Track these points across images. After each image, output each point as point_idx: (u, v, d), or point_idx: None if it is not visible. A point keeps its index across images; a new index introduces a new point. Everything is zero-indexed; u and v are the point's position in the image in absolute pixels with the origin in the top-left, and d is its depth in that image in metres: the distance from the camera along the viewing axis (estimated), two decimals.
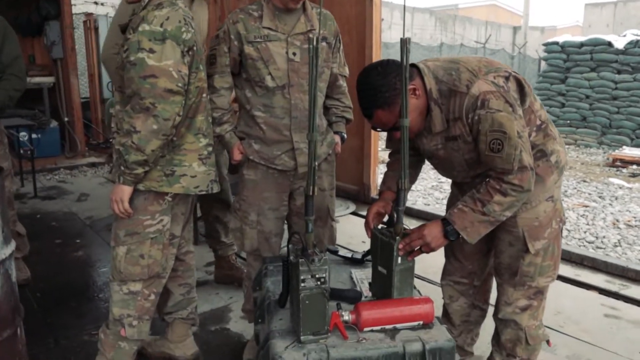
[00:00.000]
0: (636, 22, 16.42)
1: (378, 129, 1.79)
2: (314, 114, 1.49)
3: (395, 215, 1.71)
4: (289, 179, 2.26)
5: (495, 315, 2.03)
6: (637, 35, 9.53)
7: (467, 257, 2.11)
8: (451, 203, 2.13)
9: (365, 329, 1.60)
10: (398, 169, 2.03)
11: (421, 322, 1.64)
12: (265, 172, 2.23)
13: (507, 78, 1.70)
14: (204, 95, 2.05)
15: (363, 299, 1.80)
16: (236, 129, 2.27)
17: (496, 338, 2.06)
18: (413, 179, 2.07)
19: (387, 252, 1.73)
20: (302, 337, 1.53)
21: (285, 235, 2.46)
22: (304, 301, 1.52)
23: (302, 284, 1.51)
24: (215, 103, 2.21)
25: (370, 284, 1.88)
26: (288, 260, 1.62)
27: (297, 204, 2.32)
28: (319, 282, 1.52)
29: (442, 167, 1.93)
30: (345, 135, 2.45)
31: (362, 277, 2.01)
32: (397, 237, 1.69)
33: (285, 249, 2.54)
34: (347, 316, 1.60)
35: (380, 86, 1.65)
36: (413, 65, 1.73)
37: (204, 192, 2.08)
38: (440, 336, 1.60)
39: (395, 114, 1.68)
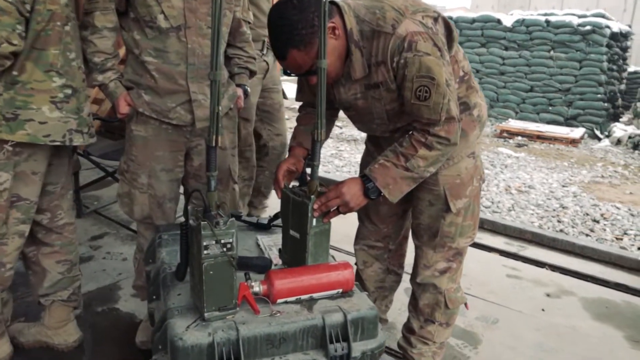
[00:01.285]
0: (519, 5, 17.48)
1: (291, 73, 1.57)
2: (218, 47, 1.23)
3: (310, 172, 1.52)
4: (185, 136, 1.98)
5: (412, 279, 1.93)
6: (523, 14, 10.07)
7: (383, 220, 1.98)
8: (365, 162, 1.98)
9: (279, 301, 1.41)
10: (308, 123, 1.84)
11: (340, 290, 1.48)
12: (158, 127, 1.93)
13: (435, 19, 1.55)
14: (61, 23, 1.68)
15: (273, 267, 1.61)
16: (122, 77, 1.93)
17: (413, 303, 1.96)
18: (327, 133, 1.88)
19: (301, 213, 1.53)
20: (206, 314, 1.31)
21: (182, 202, 2.18)
22: (207, 271, 1.28)
23: (205, 252, 1.27)
24: (96, 45, 1.85)
25: (280, 250, 1.68)
26: (187, 224, 1.36)
27: (195, 165, 2.05)
28: (224, 249, 1.29)
29: (360, 120, 1.75)
30: (248, 89, 2.20)
31: (270, 243, 1.81)
32: (312, 197, 1.50)
33: (182, 218, 2.29)
34: (257, 287, 1.40)
35: (296, 22, 1.42)
36: (332, 3, 1.52)
37: (58, 143, 1.73)
38: (362, 304, 1.45)
39: (311, 55, 1.46)
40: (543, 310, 2.58)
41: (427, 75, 1.46)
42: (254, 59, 2.20)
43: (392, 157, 1.56)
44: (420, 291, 1.90)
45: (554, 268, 3.10)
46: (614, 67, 9.24)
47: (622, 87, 9.96)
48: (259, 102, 3.02)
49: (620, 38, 9.25)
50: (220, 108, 1.29)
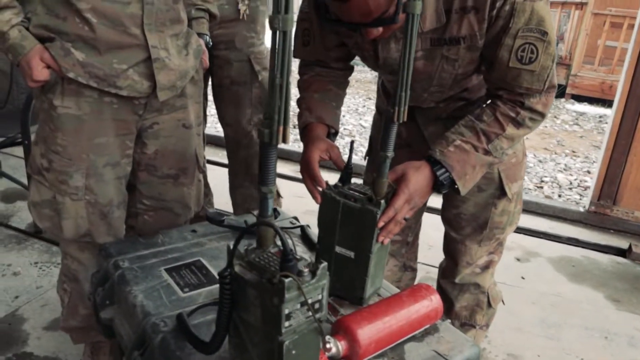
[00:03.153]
0: None
1: (344, 25, 1.05)
2: None
3: (379, 167, 1.06)
4: (137, 112, 1.35)
5: (446, 278, 1.58)
6: None
7: None
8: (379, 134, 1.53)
9: None
10: (323, 89, 1.35)
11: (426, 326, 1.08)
12: (98, 101, 1.27)
13: None
14: None
15: None
16: (29, 22, 1.22)
17: (444, 306, 1.61)
18: (340, 104, 1.40)
19: (360, 225, 1.09)
20: None
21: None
22: (289, 352, 0.79)
23: (287, 323, 0.77)
24: None
25: None
26: (231, 273, 0.84)
27: (149, 152, 1.44)
28: (312, 312, 0.80)
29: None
30: (210, 41, 1.60)
31: None
32: (382, 202, 1.06)
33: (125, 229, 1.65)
34: (334, 347, 0.94)
35: None
36: None
37: None
38: (460, 342, 1.08)
39: None
40: (523, 278, 2.43)
41: (538, 29, 1.05)
42: None
43: (470, 137, 1.16)
44: (457, 292, 1.56)
45: None
46: None
47: None
48: None
49: None
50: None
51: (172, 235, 1.41)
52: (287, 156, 3.70)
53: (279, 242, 0.81)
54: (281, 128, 0.78)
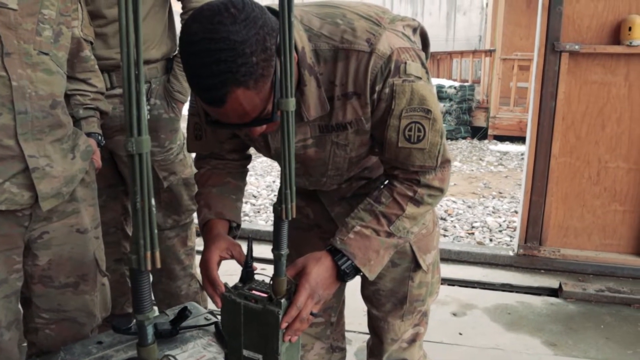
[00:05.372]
0: None
1: (224, 126, 1.03)
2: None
3: (275, 265, 1.01)
4: (22, 224, 1.26)
5: (374, 357, 1.53)
6: None
7: None
8: None
9: None
10: (220, 183, 1.31)
11: None
12: None
13: (415, 30, 1.16)
14: None
15: None
16: None
17: None
18: (240, 196, 1.36)
19: (263, 326, 1.03)
20: None
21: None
22: None
23: None
24: None
25: None
26: None
27: (41, 264, 1.34)
28: None
29: (305, 173, 1.27)
30: (102, 139, 1.53)
31: None
32: (283, 301, 1.01)
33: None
34: None
35: (241, 45, 0.88)
36: (272, 11, 1.02)
37: None
38: None
39: (262, 96, 0.95)
40: (461, 334, 2.42)
41: (420, 108, 1.06)
42: (103, 94, 1.54)
43: (370, 221, 1.14)
44: None
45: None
46: None
47: None
48: None
49: None
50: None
51: (74, 351, 1.30)
52: None
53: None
54: (149, 254, 0.72)
